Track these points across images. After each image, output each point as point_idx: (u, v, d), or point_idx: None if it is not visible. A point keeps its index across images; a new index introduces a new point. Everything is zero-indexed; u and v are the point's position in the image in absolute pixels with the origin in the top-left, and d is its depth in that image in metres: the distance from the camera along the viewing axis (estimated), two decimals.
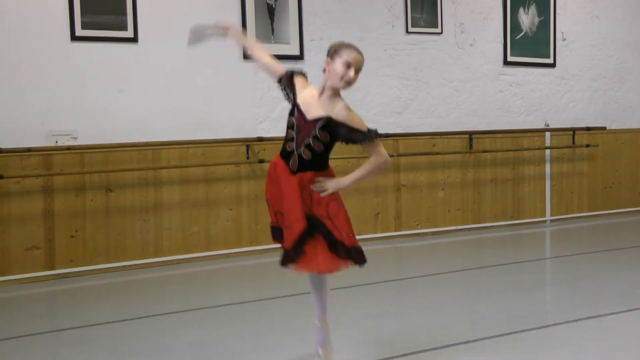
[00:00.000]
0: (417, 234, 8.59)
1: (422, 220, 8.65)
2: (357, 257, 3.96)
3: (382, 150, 3.90)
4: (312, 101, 3.91)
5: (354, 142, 3.86)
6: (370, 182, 8.25)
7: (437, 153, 8.64)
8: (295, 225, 3.86)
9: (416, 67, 8.60)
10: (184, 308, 5.73)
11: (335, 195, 3.93)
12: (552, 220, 9.52)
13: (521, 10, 9.28)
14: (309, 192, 3.90)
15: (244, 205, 7.62)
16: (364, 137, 3.84)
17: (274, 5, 7.65)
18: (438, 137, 8.69)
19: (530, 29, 9.37)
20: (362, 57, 3.88)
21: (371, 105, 8.34)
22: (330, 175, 3.99)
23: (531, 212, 9.40)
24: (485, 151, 8.97)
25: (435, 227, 8.68)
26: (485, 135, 8.97)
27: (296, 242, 3.86)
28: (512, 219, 9.26)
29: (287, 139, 3.96)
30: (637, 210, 10.27)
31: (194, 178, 7.37)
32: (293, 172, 3.90)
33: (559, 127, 9.58)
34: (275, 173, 3.98)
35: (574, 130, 9.62)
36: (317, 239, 3.89)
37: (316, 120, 3.86)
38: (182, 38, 7.15)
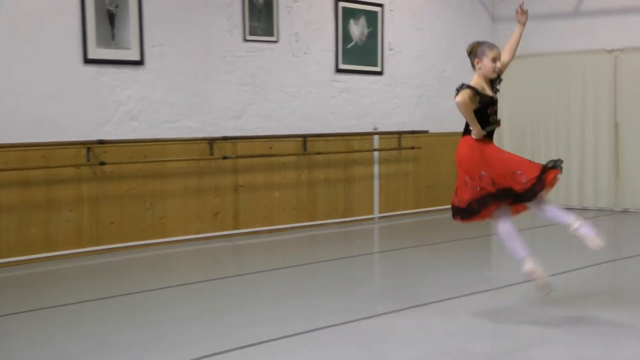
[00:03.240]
0: (255, 232, 8.98)
1: (259, 218, 9.04)
2: None
3: None
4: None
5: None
6: (210, 183, 8.55)
7: (274, 155, 9.05)
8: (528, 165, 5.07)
9: (254, 73, 8.97)
10: (24, 309, 5.75)
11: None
12: (380, 217, 10.20)
13: (352, 21, 9.88)
14: None
15: (85, 206, 7.71)
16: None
17: (114, 11, 7.74)
18: (274, 140, 9.10)
19: (360, 39, 9.99)
20: (496, 46, 5.15)
21: (211, 110, 8.62)
22: None
23: (361, 209, 10.04)
24: (319, 153, 9.49)
25: (272, 225, 9.10)
26: (319, 138, 9.49)
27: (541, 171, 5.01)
28: (344, 216, 9.84)
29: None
30: None
31: (34, 180, 7.38)
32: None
33: (386, 131, 10.29)
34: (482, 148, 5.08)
35: (400, 133, 10.35)
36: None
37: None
38: (22, 40, 7.26)
